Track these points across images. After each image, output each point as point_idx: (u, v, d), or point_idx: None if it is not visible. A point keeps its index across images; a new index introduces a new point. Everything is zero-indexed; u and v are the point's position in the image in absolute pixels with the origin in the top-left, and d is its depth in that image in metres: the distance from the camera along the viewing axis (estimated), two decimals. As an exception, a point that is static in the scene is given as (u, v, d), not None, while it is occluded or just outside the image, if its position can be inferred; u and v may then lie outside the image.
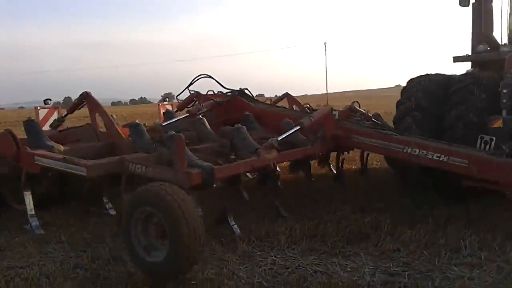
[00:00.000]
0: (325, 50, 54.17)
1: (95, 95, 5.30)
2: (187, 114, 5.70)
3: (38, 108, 9.29)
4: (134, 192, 3.24)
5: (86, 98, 5.30)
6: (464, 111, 4.76)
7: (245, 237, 3.97)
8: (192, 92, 6.42)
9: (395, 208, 4.74)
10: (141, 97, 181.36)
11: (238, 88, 6.14)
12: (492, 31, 6.56)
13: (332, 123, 5.00)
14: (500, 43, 6.51)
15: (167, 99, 15.58)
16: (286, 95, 8.07)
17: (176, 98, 7.10)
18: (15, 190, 4.67)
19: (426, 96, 5.19)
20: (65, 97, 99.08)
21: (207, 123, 5.03)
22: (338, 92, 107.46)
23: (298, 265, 3.45)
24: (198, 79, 6.11)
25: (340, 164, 5.93)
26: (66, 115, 6.04)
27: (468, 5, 6.63)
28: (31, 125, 4.58)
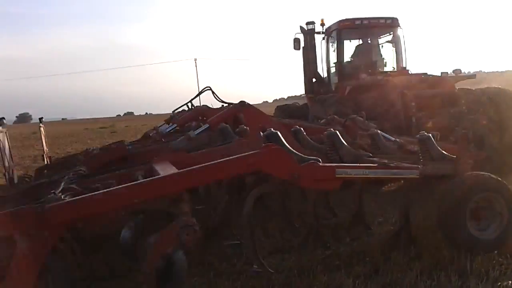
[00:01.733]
0: (196, 66, 53.33)
1: None
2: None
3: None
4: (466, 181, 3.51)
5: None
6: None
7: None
8: (194, 106, 6.62)
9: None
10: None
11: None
12: (317, 68, 9.68)
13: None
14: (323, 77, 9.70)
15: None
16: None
17: (173, 112, 7.16)
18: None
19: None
20: None
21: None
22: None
23: None
24: (202, 92, 6.40)
25: None
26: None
27: (299, 49, 9.55)
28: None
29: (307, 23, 9.43)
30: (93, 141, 20.68)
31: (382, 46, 9.57)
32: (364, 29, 9.12)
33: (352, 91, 8.09)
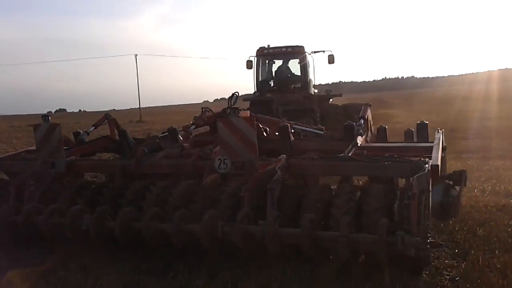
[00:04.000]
0: (136, 62, 50.61)
1: None
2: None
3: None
4: None
5: None
6: None
7: None
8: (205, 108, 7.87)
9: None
10: None
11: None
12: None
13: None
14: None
15: None
16: (107, 117, 7.81)
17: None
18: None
19: None
20: None
21: None
22: (149, 107, 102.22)
23: None
24: (232, 97, 6.47)
25: None
26: None
27: (251, 68, 12.23)
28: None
29: (259, 48, 12.29)
30: (19, 141, 19.56)
31: (288, 67, 12.64)
32: (274, 55, 12.38)
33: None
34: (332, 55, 12.45)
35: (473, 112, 26.75)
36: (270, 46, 12.33)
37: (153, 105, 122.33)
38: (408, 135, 6.75)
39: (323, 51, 12.46)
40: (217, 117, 6.16)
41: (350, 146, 5.37)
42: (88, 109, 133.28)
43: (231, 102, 6.33)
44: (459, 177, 4.29)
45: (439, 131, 6.31)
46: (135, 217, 4.27)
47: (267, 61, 12.61)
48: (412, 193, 3.48)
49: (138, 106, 52.84)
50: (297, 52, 12.09)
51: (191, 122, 7.68)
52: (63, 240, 4.57)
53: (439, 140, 5.61)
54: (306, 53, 12.17)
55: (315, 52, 12.52)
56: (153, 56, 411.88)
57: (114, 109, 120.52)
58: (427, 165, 3.86)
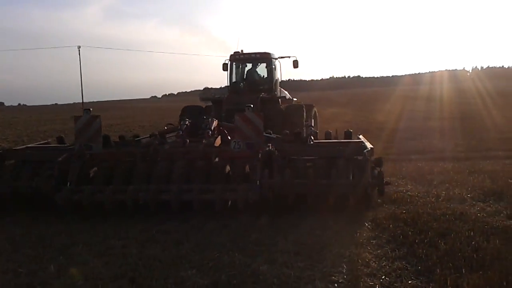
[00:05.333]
0: (79, 54, 47.44)
1: None
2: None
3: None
4: None
5: None
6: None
7: None
8: None
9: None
10: None
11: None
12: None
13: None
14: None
15: None
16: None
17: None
18: None
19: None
20: None
21: None
22: (94, 101, 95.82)
23: None
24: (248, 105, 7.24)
25: None
26: None
27: (227, 70, 13.59)
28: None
29: (233, 53, 13.66)
30: None
31: (256, 71, 13.94)
32: (245, 59, 13.73)
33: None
34: (297, 61, 13.95)
35: (418, 112, 27.42)
36: (243, 51, 13.71)
37: (98, 100, 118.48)
38: (347, 134, 8.32)
39: (289, 57, 14.05)
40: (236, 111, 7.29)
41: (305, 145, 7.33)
42: (29, 103, 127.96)
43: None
44: (380, 161, 6.60)
45: (359, 135, 8.45)
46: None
47: (240, 65, 13.96)
48: (366, 157, 6.32)
49: (81, 101, 50.92)
50: (264, 57, 13.56)
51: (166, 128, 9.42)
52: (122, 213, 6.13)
53: (363, 138, 7.97)
54: (272, 59, 13.60)
55: (281, 57, 13.92)
56: (99, 49, 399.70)
57: (56, 104, 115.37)
58: (368, 147, 6.68)
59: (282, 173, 6.16)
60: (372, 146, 6.78)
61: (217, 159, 6.59)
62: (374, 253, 4.66)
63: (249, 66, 13.98)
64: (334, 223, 5.65)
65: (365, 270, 4.22)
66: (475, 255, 4.36)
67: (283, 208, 6.20)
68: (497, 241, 4.75)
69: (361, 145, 6.98)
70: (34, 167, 6.71)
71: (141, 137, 9.19)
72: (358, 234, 5.25)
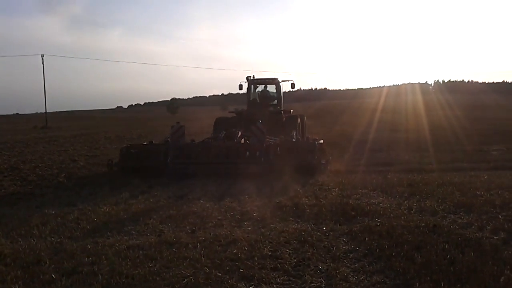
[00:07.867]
0: (43, 63, 46.51)
1: None
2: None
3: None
4: None
5: None
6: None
7: None
8: None
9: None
10: None
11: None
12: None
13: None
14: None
15: None
16: None
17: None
18: None
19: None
20: None
21: None
22: (57, 111, 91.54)
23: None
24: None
25: None
26: None
27: (242, 89, 18.32)
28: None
29: (247, 77, 18.14)
30: None
31: (268, 90, 18.50)
32: (259, 82, 18.25)
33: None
34: (293, 83, 17.87)
35: (385, 124, 27.95)
36: (255, 77, 18.25)
37: (62, 110, 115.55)
38: (314, 140, 13.55)
39: (288, 80, 18.38)
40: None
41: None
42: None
43: None
44: (317, 149, 11.47)
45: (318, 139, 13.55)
46: None
47: (254, 86, 18.47)
48: (319, 143, 12.36)
49: (45, 111, 49.10)
50: (273, 81, 18.20)
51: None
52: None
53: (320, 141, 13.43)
54: (279, 82, 18.17)
55: (283, 81, 18.34)
56: (63, 58, 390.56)
57: (17, 113, 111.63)
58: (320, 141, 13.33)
59: (273, 155, 11.18)
60: (322, 141, 12.82)
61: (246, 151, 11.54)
62: (352, 267, 4.62)
63: (260, 87, 18.47)
64: (308, 235, 5.61)
65: (344, 284, 4.16)
66: (452, 268, 4.38)
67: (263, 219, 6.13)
68: (472, 253, 4.80)
69: (317, 141, 12.81)
70: (146, 155, 11.72)
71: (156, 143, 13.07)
72: (334, 248, 5.21)
